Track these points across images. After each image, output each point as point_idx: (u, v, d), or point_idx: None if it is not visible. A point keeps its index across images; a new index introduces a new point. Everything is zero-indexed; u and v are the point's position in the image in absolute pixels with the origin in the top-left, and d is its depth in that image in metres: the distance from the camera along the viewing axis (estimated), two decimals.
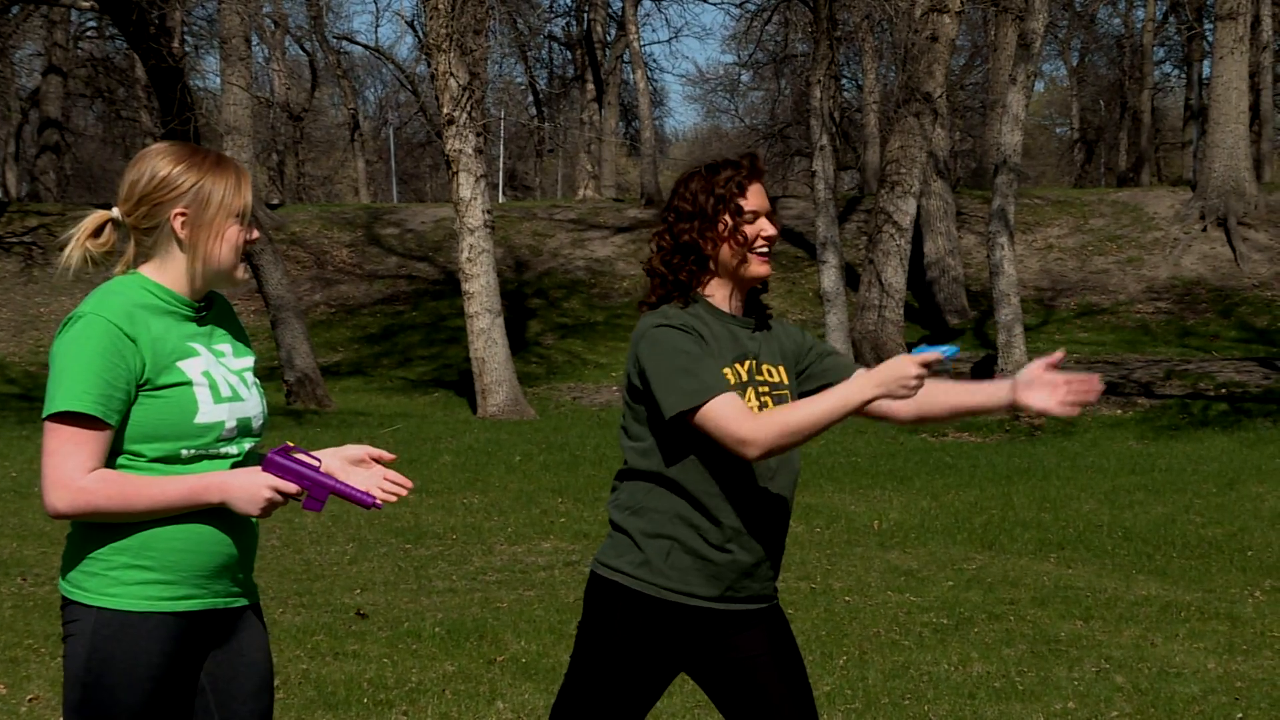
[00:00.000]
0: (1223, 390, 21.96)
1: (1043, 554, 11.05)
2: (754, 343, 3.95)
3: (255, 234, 3.59)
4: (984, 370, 23.51)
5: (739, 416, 3.73)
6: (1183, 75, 52.24)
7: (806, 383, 4.03)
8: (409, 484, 3.66)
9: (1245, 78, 29.85)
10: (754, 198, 3.92)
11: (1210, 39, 36.16)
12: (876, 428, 20.80)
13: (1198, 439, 19.12)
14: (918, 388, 3.67)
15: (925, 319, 29.08)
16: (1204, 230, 30.78)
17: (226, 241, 3.51)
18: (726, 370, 3.85)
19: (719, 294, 3.95)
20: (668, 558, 3.87)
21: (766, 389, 3.91)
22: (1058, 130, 66.64)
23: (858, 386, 3.72)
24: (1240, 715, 6.80)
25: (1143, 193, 35.00)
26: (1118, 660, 7.80)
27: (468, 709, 6.82)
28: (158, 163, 3.48)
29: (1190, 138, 47.40)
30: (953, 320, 29.18)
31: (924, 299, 29.71)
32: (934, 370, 3.67)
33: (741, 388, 3.86)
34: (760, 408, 3.86)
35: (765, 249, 3.93)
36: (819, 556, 10.84)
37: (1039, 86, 57.02)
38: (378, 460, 3.66)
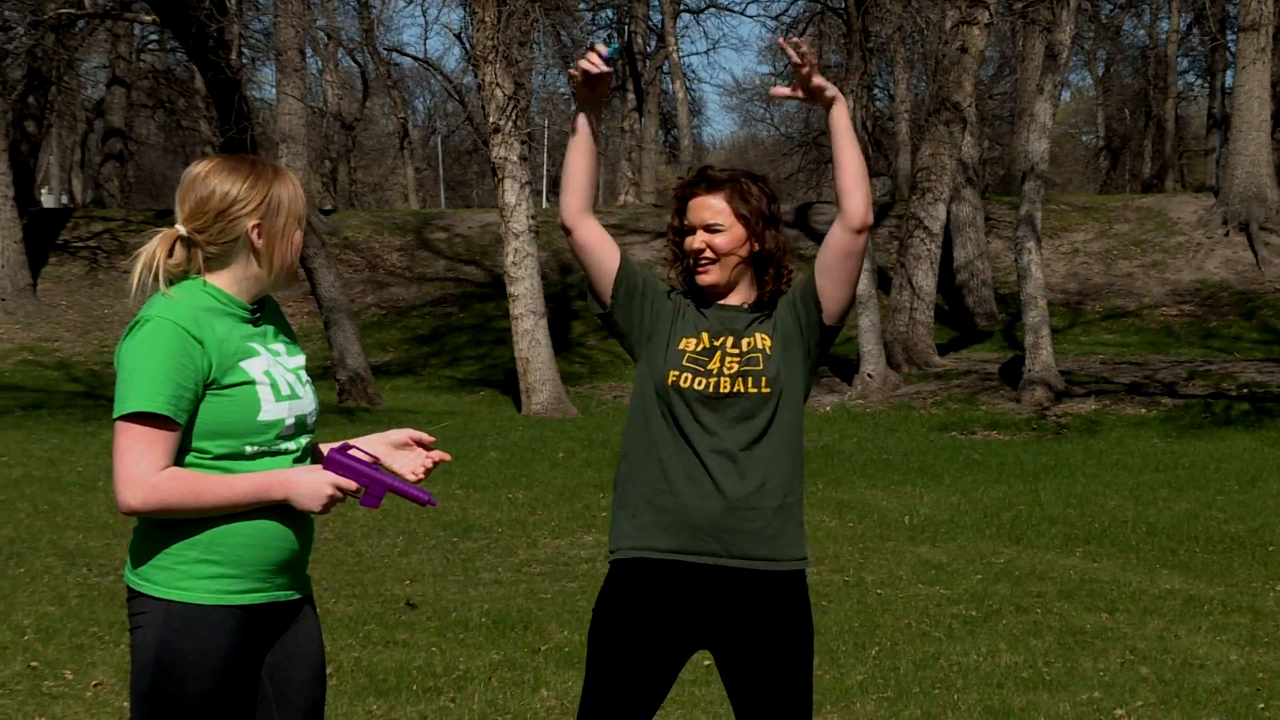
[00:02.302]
0: (1245, 390, 21.82)
1: (1069, 548, 11.00)
2: (740, 322, 4.07)
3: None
4: (1012, 372, 23.42)
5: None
6: (1205, 85, 51.91)
7: (820, 293, 4.08)
8: (447, 457, 3.76)
9: (1267, 87, 29.67)
10: (691, 212, 4.09)
11: (1233, 50, 35.90)
12: (908, 425, 20.74)
13: (1220, 437, 19.00)
14: (594, 64, 3.93)
15: (955, 321, 28.99)
16: (1226, 235, 30.59)
17: (294, 245, 3.57)
18: (690, 338, 4.03)
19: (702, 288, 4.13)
20: (634, 518, 4.00)
21: (736, 355, 4.01)
22: (1084, 138, 66.33)
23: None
24: (1262, 705, 6.77)
25: (1166, 199, 34.79)
26: (1142, 652, 7.76)
27: (513, 696, 6.84)
28: (226, 180, 3.51)
29: (1213, 145, 47.11)
30: (982, 323, 29.08)
31: (954, 302, 29.60)
32: (605, 57, 3.95)
33: (710, 352, 4.00)
34: (723, 367, 3.99)
35: (697, 260, 4.07)
36: (852, 550, 10.82)
37: (1065, 96, 56.68)
38: (420, 444, 3.71)
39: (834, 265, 4.03)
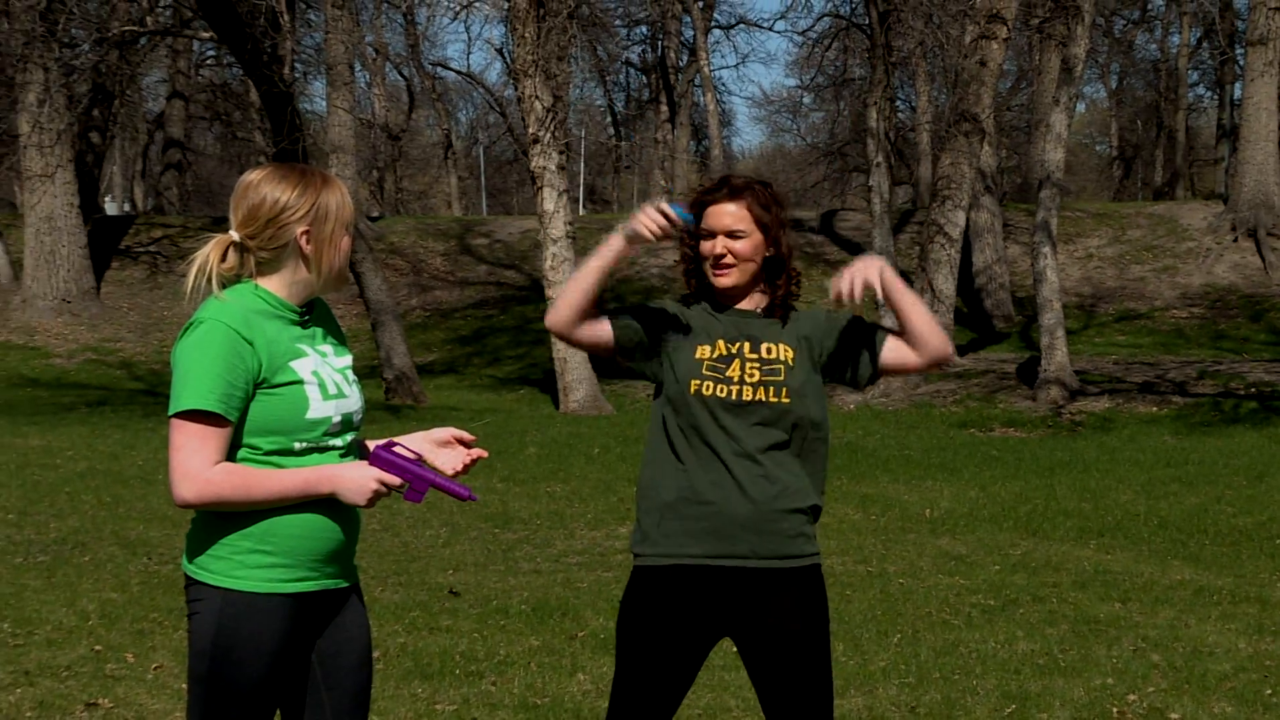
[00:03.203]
0: (1253, 389, 21.69)
1: (1083, 541, 10.95)
2: (755, 327, 4.03)
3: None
4: (1029, 371, 23.33)
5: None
6: (1215, 97, 51.68)
7: (840, 353, 4.05)
8: (485, 454, 3.76)
9: (1274, 99, 29.48)
10: (711, 218, 4.01)
11: (1241, 63, 35.69)
12: (929, 423, 20.69)
13: (1229, 435, 18.90)
14: (648, 231, 3.83)
15: (974, 323, 28.89)
16: (1235, 241, 30.43)
17: (341, 251, 3.57)
18: (704, 345, 3.98)
19: (716, 291, 4.07)
20: (660, 525, 3.95)
21: (757, 362, 3.97)
22: (1098, 148, 66.05)
23: (613, 238, 3.92)
24: (1269, 692, 6.72)
25: (1177, 206, 34.62)
26: (1154, 640, 7.72)
27: (551, 680, 6.84)
28: (276, 188, 3.50)
29: (1222, 155, 46.87)
30: (999, 324, 28.98)
31: (973, 305, 29.51)
32: (673, 224, 3.85)
33: (728, 359, 3.96)
34: (747, 375, 3.94)
35: (717, 264, 4.01)
36: (875, 542, 10.79)
37: (1080, 107, 56.42)
38: (461, 442, 3.71)
39: (893, 368, 4.06)
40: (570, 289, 3.96)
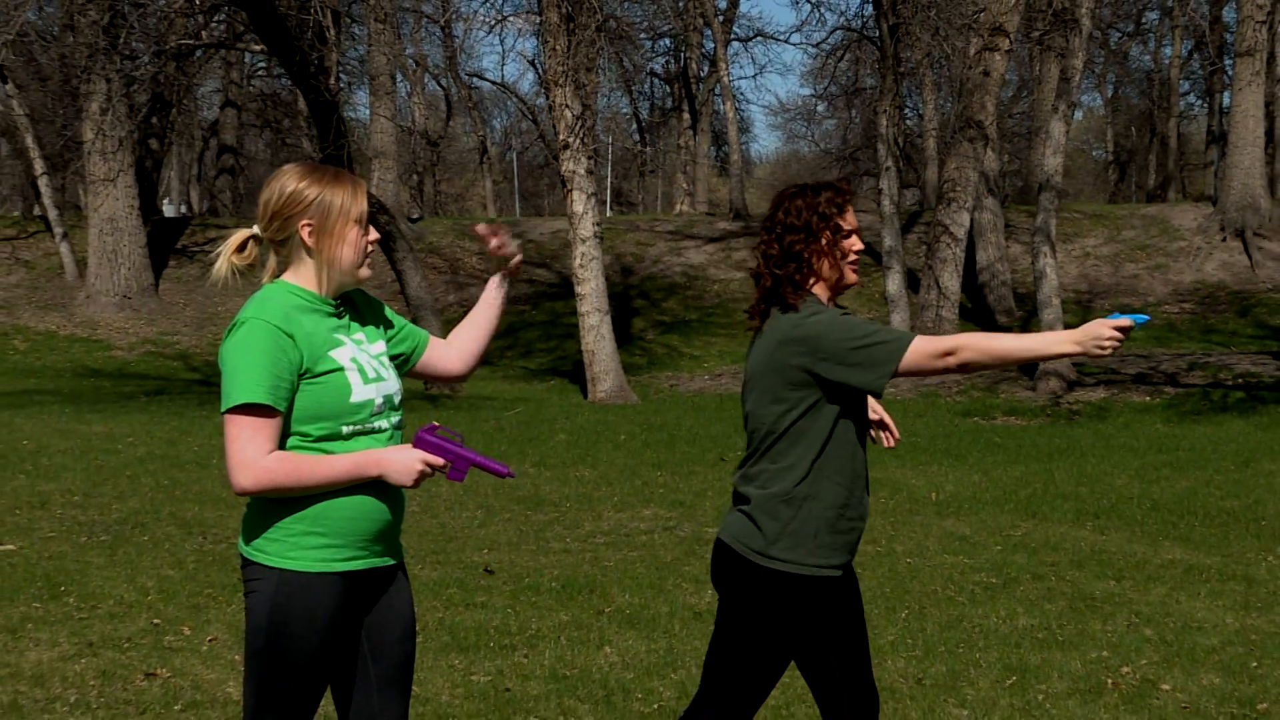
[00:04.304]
0: (1240, 380, 21.58)
1: (1080, 522, 10.92)
2: None
3: (374, 235, 3.60)
4: (1029, 366, 23.23)
5: (937, 338, 3.69)
6: (1205, 105, 51.35)
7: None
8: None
9: (1261, 107, 29.34)
10: (849, 218, 3.87)
11: (1230, 73, 35.49)
12: (934, 411, 20.64)
13: (1218, 423, 18.81)
14: (1112, 350, 3.56)
15: (977, 318, 28.82)
16: (1224, 240, 30.31)
17: (349, 244, 3.54)
18: None
19: (821, 297, 3.89)
20: (816, 537, 3.81)
21: None
22: (1094, 153, 65.78)
23: (1058, 339, 3.61)
24: (1255, 664, 6.70)
25: (1169, 208, 34.46)
26: (1146, 615, 7.70)
27: (580, 653, 6.85)
28: (285, 182, 3.52)
29: (1212, 159, 46.59)
30: (1001, 320, 28.89)
31: (976, 301, 29.42)
32: (1127, 334, 3.56)
33: None
34: None
35: (855, 261, 3.89)
36: (884, 524, 10.78)
37: (1078, 115, 56.26)
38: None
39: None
40: (1008, 354, 3.68)
